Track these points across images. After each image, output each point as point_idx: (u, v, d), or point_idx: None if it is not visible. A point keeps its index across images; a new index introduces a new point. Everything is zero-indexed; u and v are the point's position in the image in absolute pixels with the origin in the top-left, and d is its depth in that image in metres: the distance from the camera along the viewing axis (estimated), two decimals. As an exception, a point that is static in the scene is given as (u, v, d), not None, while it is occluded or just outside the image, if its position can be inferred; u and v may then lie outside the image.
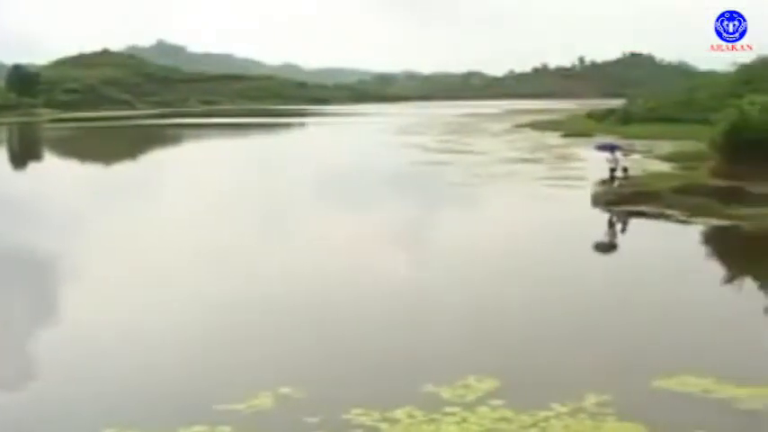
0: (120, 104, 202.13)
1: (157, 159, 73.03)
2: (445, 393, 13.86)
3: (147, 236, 30.78)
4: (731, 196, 33.22)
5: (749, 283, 23.48)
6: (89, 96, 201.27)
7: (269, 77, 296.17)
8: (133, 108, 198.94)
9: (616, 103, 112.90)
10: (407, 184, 47.44)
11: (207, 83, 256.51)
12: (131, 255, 27.15)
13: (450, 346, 16.87)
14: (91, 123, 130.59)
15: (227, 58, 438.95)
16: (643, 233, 31.15)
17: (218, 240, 29.46)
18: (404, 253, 27.87)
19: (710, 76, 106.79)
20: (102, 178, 57.29)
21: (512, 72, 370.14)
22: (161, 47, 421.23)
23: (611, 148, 41.08)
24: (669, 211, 33.05)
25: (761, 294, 22.56)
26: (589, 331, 17.96)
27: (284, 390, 14.07)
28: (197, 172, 57.28)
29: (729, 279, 23.73)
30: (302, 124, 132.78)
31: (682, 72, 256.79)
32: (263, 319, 19.19)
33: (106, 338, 17.80)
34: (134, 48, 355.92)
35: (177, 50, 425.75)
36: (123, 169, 64.12)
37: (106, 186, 51.04)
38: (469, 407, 13.31)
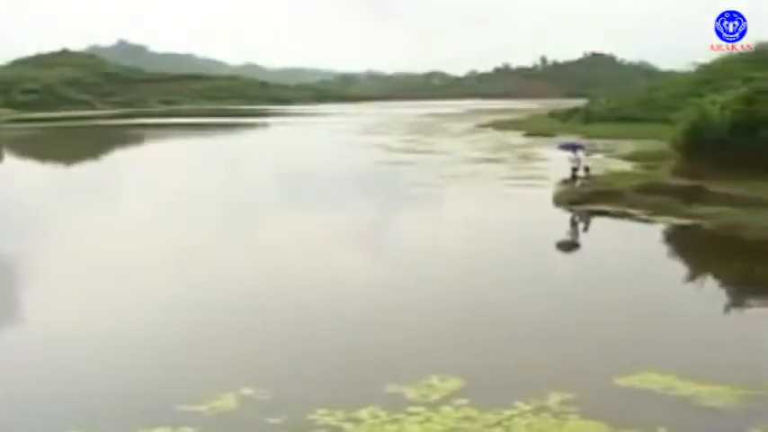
0: (79, 105, 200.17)
1: (118, 159, 72.32)
2: (409, 393, 13.87)
3: (108, 236, 30.48)
4: (692, 195, 33.51)
5: (710, 282, 23.71)
6: (48, 97, 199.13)
7: (231, 77, 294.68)
8: (93, 108, 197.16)
9: (578, 102, 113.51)
10: (371, 185, 47.43)
11: (168, 83, 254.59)
12: (93, 255, 26.91)
13: (414, 347, 16.89)
14: (50, 124, 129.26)
15: (188, 58, 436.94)
16: (605, 232, 31.36)
17: (181, 241, 29.32)
18: (367, 253, 27.89)
19: (671, 75, 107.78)
20: (63, 178, 56.74)
21: (474, 72, 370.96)
22: (122, 47, 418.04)
23: (574, 148, 41.36)
24: (631, 210, 33.34)
25: (721, 292, 22.77)
26: (553, 330, 18.02)
27: (247, 390, 14.03)
28: (158, 172, 56.94)
29: (691, 277, 23.97)
30: (264, 124, 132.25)
31: (643, 72, 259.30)
32: (225, 319, 19.10)
33: (67, 340, 17.67)
34: (95, 48, 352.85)
35: (138, 50, 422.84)
36: (84, 170, 63.53)
37: (69, 186, 50.59)
38: (433, 406, 13.33)
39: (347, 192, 44.23)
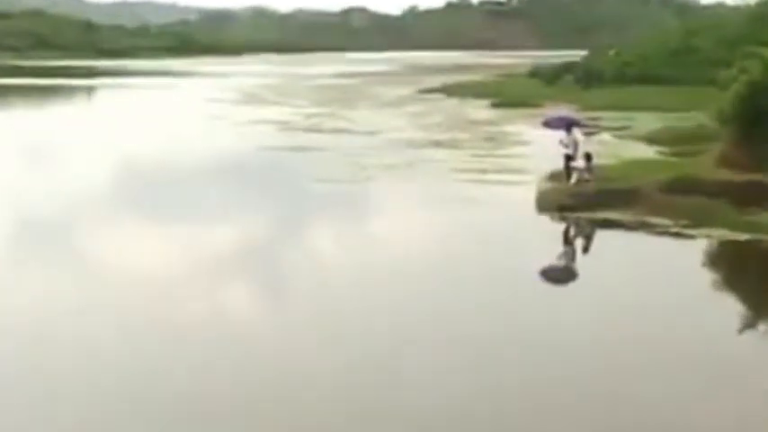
0: None
1: None
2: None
3: None
4: (749, 196, 33.61)
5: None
6: None
7: (34, 14, 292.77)
8: None
9: (573, 55, 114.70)
10: (254, 183, 47.04)
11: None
12: None
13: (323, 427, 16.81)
14: None
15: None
16: (616, 254, 31.40)
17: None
18: (248, 288, 27.80)
19: (717, 15, 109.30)
20: None
21: (413, 9, 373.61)
22: None
23: (567, 125, 41.26)
24: (655, 220, 33.47)
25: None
26: (550, 408, 17.99)
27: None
28: None
29: (752, 324, 23.90)
30: (90, 89, 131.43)
31: (674, 9, 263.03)
32: (53, 373, 19.46)
33: None
34: None
35: None
36: None
37: None
38: None
39: (217, 194, 43.68)
